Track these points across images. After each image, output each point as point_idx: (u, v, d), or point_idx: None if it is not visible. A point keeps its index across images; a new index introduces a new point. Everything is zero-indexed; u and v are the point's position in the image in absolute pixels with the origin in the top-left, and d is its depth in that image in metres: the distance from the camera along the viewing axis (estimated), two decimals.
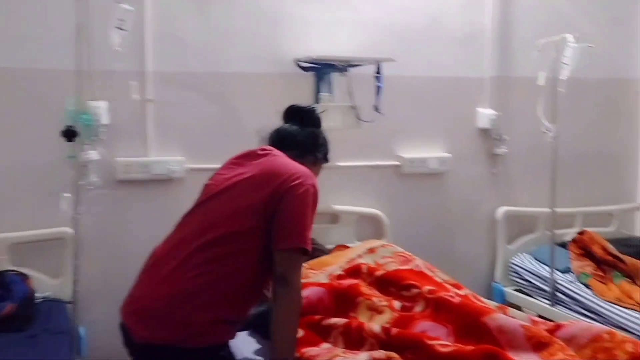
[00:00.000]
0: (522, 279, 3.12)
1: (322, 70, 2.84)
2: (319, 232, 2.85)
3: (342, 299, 1.91)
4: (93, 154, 2.51)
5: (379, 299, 1.90)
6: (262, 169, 1.83)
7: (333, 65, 2.82)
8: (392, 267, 2.03)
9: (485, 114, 3.20)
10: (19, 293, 2.22)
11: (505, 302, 3.15)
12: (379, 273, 2.00)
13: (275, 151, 1.92)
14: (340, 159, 2.94)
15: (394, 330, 1.72)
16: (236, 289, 1.72)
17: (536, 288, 3.01)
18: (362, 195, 3.05)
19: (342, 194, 3.01)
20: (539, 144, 2.90)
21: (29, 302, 2.23)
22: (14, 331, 2.10)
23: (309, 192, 1.76)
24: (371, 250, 2.14)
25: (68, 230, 2.49)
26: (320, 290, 1.93)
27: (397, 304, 1.89)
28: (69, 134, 2.05)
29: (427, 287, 1.89)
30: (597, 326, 1.67)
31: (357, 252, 2.17)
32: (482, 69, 3.21)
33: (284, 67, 2.83)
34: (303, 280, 1.94)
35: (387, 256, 2.10)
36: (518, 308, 3.04)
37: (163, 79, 2.67)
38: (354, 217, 3.01)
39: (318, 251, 2.50)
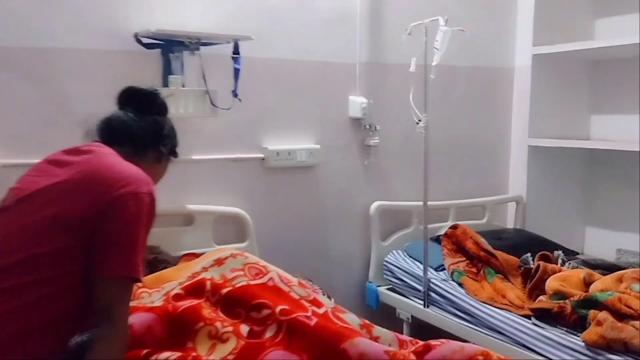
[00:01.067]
0: (395, 277, 2.93)
1: (167, 47, 2.45)
2: (169, 236, 2.50)
3: (177, 327, 1.57)
4: None
5: (223, 324, 1.57)
6: (79, 172, 1.45)
7: (182, 42, 2.44)
8: (242, 282, 1.71)
9: (357, 102, 2.96)
10: None
11: (379, 303, 2.97)
12: (224, 290, 1.67)
13: (103, 148, 1.54)
14: (194, 151, 2.60)
15: None
16: (43, 324, 1.34)
17: (410, 287, 2.83)
18: (221, 193, 2.70)
19: (197, 191, 2.65)
20: (411, 134, 2.70)
21: None
22: None
23: (142, 202, 1.40)
24: (218, 262, 1.81)
25: None
26: (149, 317, 1.57)
27: (244, 328, 1.58)
28: None
29: (280, 307, 1.59)
30: (470, 347, 1.46)
31: (203, 264, 1.82)
32: (353, 54, 2.96)
33: (124, 43, 2.40)
34: (132, 303, 1.59)
35: (236, 269, 1.77)
36: (392, 310, 2.87)
37: None
38: (211, 218, 2.66)
39: (162, 262, 2.13)
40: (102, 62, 2.39)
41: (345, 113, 2.98)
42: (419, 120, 2.60)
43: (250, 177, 2.76)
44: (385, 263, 3.00)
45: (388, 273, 2.98)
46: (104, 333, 1.36)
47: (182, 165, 2.53)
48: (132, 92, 1.70)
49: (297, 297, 1.68)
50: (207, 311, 1.61)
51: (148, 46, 2.43)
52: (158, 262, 2.09)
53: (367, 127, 2.97)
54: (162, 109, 1.71)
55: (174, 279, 1.80)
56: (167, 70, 2.50)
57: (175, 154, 1.76)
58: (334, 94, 2.94)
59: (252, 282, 1.71)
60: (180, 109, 2.45)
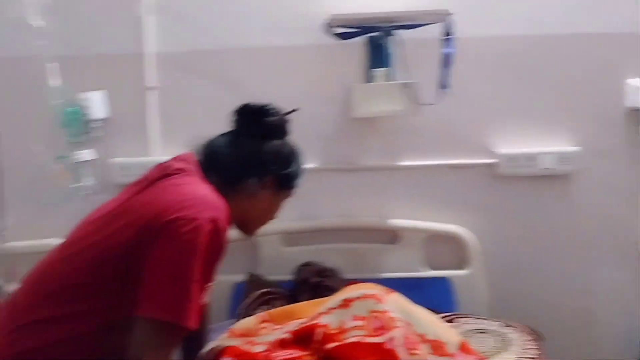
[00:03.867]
0: None
1: (365, 35, 2.08)
2: (369, 254, 2.18)
3: None
4: (85, 154, 2.15)
5: None
6: (137, 198, 1.25)
7: (380, 28, 2.05)
8: (355, 337, 1.27)
9: (638, 88, 2.12)
10: None
11: None
12: (330, 346, 1.25)
13: (188, 168, 1.31)
14: (401, 156, 2.19)
15: None
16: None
17: None
18: (435, 207, 2.22)
19: (404, 204, 2.23)
20: None
21: None
22: None
23: (200, 230, 1.12)
24: (345, 304, 1.38)
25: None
26: None
27: None
28: None
29: None
30: None
31: (331, 303, 1.43)
32: (624, 19, 2.12)
33: (319, 36, 2.14)
34: (230, 342, 1.33)
35: (359, 316, 1.32)
36: None
37: (165, 61, 2.18)
38: (422, 236, 2.20)
39: (325, 289, 1.79)
40: (296, 60, 2.18)
41: (618, 102, 2.16)
42: None
43: (475, 188, 2.21)
44: None
45: None
46: None
47: (386, 173, 2.18)
48: (242, 110, 1.42)
49: None
50: None
51: (344, 36, 2.12)
52: (321, 288, 1.76)
53: None
54: (270, 131, 1.39)
55: (305, 315, 1.46)
56: (371, 63, 2.14)
57: (286, 187, 1.43)
58: (600, 76, 2.16)
59: (366, 339, 1.25)
60: (383, 106, 2.08)
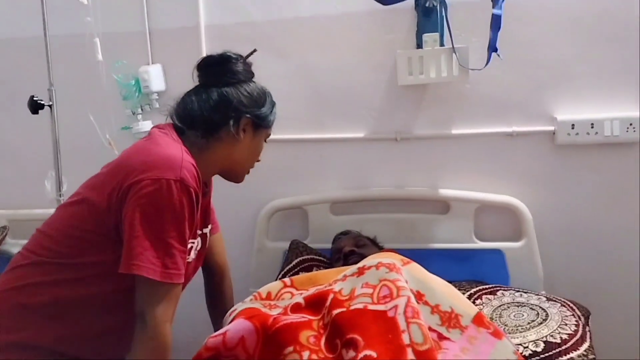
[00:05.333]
0: None
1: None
2: (420, 224, 2.16)
3: (270, 345, 1.27)
4: (146, 125, 2.27)
5: (311, 355, 1.19)
6: (115, 161, 1.35)
7: None
8: (360, 304, 1.26)
9: None
10: None
11: None
12: (336, 312, 1.26)
13: (162, 130, 1.39)
14: (453, 124, 2.13)
15: None
16: (71, 304, 1.28)
17: None
18: (487, 176, 2.14)
19: (456, 173, 2.16)
20: None
21: None
22: None
23: (165, 189, 1.19)
24: (360, 271, 1.38)
25: None
26: (245, 326, 1.31)
27: None
28: (34, 106, 1.82)
29: (365, 352, 1.11)
30: None
31: (348, 270, 1.43)
32: None
33: (368, 2, 2.10)
34: (249, 305, 1.38)
35: (370, 284, 1.31)
36: None
37: (219, 33, 2.24)
38: (473, 207, 2.13)
39: (358, 256, 1.80)
40: (344, 28, 2.16)
41: None
42: None
43: (531, 157, 2.10)
44: None
45: None
46: (136, 336, 1.23)
47: (437, 142, 2.14)
48: (204, 64, 1.45)
49: (407, 342, 1.14)
50: (308, 334, 1.25)
51: (392, 0, 2.06)
52: (353, 257, 1.76)
53: None
54: (235, 76, 1.41)
55: (325, 282, 1.48)
56: (421, 28, 2.08)
57: (263, 126, 1.45)
58: None
59: (369, 307, 1.24)
60: (433, 73, 2.02)
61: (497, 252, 2.10)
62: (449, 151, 2.15)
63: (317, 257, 1.99)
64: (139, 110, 2.29)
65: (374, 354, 1.10)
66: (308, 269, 1.92)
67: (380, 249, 1.91)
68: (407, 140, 2.17)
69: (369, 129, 2.19)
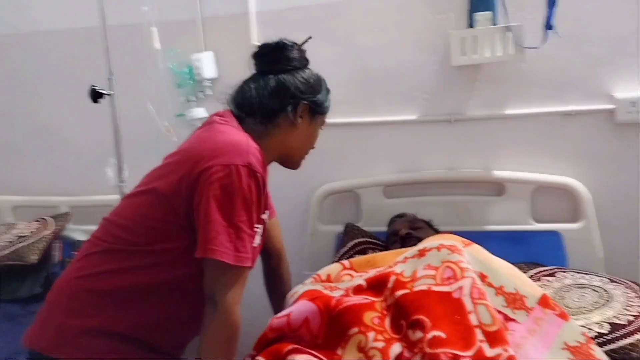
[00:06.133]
0: None
1: None
2: (475, 206, 2.14)
3: (334, 326, 1.28)
4: (199, 112, 2.31)
5: (376, 336, 1.21)
6: (181, 149, 1.38)
7: None
8: (424, 285, 1.26)
9: None
10: None
11: None
12: (399, 293, 1.27)
13: (225, 118, 1.41)
14: (508, 104, 2.10)
15: None
16: (144, 289, 1.32)
17: None
18: (544, 157, 2.10)
19: (511, 154, 2.13)
20: None
21: None
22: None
23: (230, 177, 1.23)
24: (421, 253, 1.38)
25: None
26: (309, 307, 1.33)
27: (395, 349, 1.17)
28: (95, 96, 1.86)
29: (433, 333, 1.11)
30: None
31: (408, 252, 1.43)
32: None
33: None
34: (311, 287, 1.41)
35: (432, 266, 1.31)
36: None
37: (269, 19, 2.25)
38: (529, 188, 2.10)
39: (415, 239, 1.80)
40: (394, 8, 2.14)
41: None
42: None
43: (589, 136, 2.05)
44: None
45: None
46: (208, 318, 1.26)
47: (492, 123, 2.11)
48: (260, 52, 1.47)
49: (475, 324, 1.14)
50: (372, 315, 1.26)
51: None
52: (411, 240, 1.76)
53: None
54: (291, 63, 1.43)
55: (385, 264, 1.48)
56: (473, 6, 2.05)
57: (319, 112, 1.47)
58: None
59: (433, 288, 1.24)
60: (486, 52, 1.99)
61: (554, 234, 2.06)
62: (503, 132, 2.12)
63: (372, 240, 2.00)
64: (193, 97, 2.32)
65: (443, 335, 1.11)
66: (363, 252, 1.92)
67: (436, 231, 1.90)
68: (461, 121, 2.14)
69: (421, 111, 2.17)
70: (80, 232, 2.48)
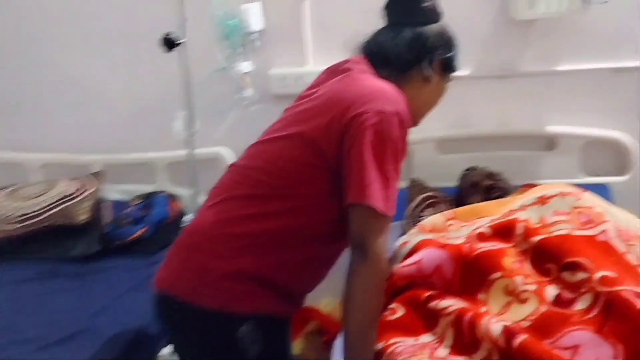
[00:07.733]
0: None
1: None
2: (526, 161, 2.19)
3: (470, 272, 1.29)
4: (245, 65, 2.23)
5: (524, 280, 1.23)
6: (325, 94, 1.32)
7: None
8: (563, 230, 1.29)
9: None
10: (156, 216, 2.12)
11: None
12: (537, 238, 1.29)
13: (360, 66, 1.35)
14: (561, 60, 2.12)
15: (519, 340, 1.08)
16: (289, 240, 1.28)
17: None
18: (594, 112, 2.16)
19: (563, 110, 2.18)
20: None
21: (164, 226, 2.11)
22: (139, 255, 2.02)
23: (387, 122, 1.18)
24: (541, 200, 1.40)
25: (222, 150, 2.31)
26: (440, 254, 1.34)
27: (551, 291, 1.19)
28: (168, 44, 1.77)
29: (602, 273, 1.14)
30: None
31: (523, 201, 1.45)
32: None
33: None
34: (423, 236, 1.40)
35: (561, 211, 1.34)
36: None
37: None
38: (580, 143, 2.17)
39: (498, 190, 1.83)
40: None
41: None
42: None
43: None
44: None
45: None
46: (354, 265, 1.24)
47: (545, 78, 2.14)
48: (393, 2, 1.42)
49: (635, 264, 1.18)
50: (510, 260, 1.28)
51: None
52: (493, 189, 1.79)
53: None
54: (427, 16, 1.39)
55: (490, 214, 1.49)
56: None
57: (450, 69, 1.44)
58: None
59: (575, 232, 1.27)
60: (546, 6, 2.00)
61: (602, 187, 2.13)
62: (554, 88, 2.15)
63: (438, 194, 2.01)
64: (241, 49, 2.24)
65: (613, 274, 1.13)
66: (432, 205, 1.94)
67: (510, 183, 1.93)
68: (514, 77, 2.16)
69: (475, 66, 2.17)
70: (114, 191, 2.37)
